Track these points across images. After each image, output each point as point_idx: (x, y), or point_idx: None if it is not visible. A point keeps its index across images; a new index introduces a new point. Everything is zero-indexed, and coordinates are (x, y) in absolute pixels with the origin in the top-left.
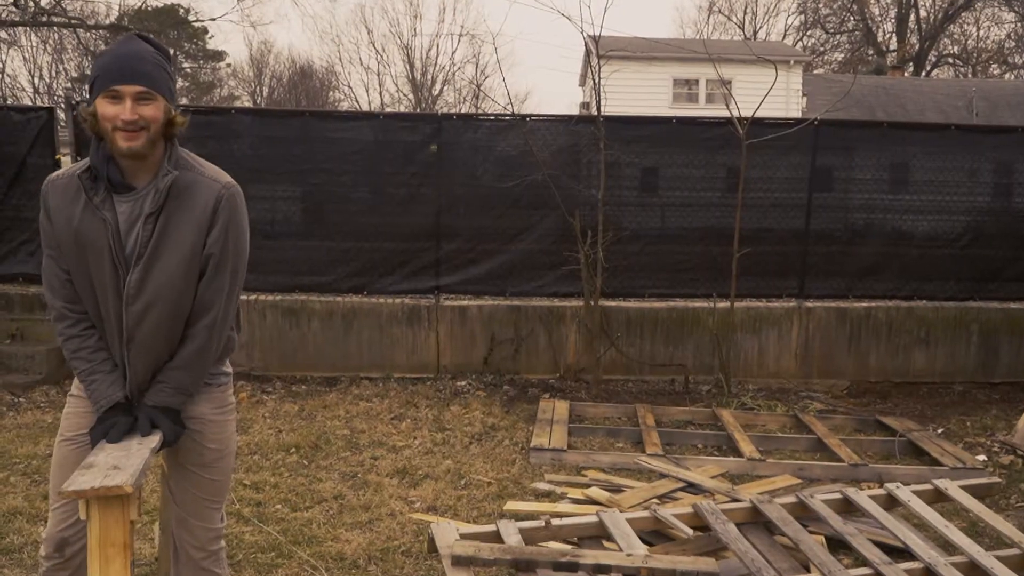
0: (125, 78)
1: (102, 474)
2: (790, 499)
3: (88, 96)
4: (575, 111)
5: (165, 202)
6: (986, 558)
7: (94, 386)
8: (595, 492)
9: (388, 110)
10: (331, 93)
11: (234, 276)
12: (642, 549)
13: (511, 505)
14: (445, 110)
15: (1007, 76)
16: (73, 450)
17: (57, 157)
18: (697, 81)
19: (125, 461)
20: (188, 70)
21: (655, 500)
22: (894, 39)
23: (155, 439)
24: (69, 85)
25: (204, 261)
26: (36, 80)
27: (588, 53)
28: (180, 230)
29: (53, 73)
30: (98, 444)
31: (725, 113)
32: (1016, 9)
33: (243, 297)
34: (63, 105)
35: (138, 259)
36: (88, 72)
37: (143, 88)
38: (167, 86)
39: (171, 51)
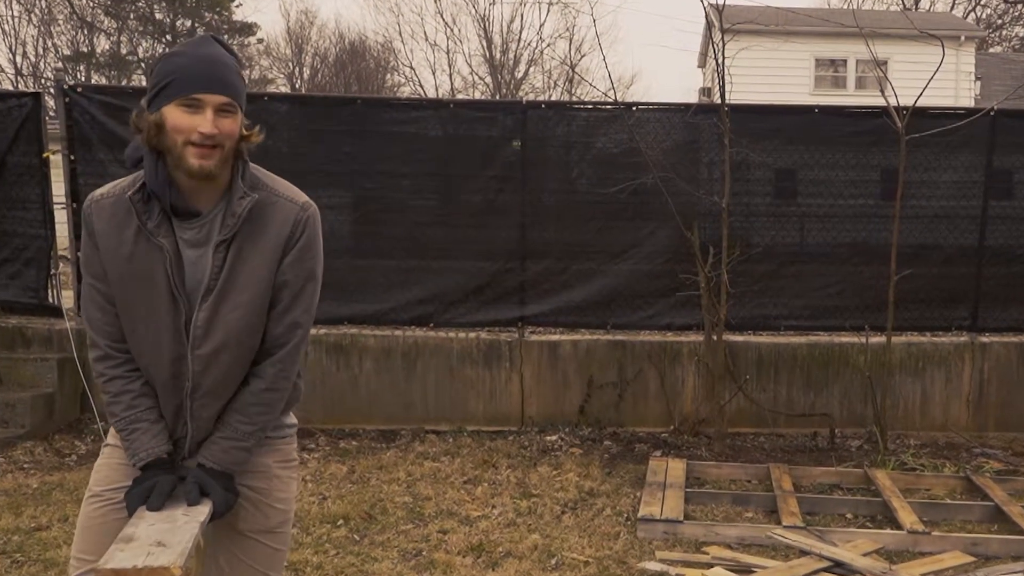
0: (211, 86)
1: (144, 551)
2: None
3: (149, 101)
4: (693, 98)
5: (239, 229)
6: None
7: (135, 436)
8: (719, 573)
9: (460, 97)
10: (389, 76)
11: (307, 311)
12: None
13: None
14: (531, 97)
15: None
16: (103, 509)
17: (45, 155)
18: (844, 62)
19: (171, 536)
20: None
21: None
22: None
23: (204, 510)
24: (60, 65)
25: (277, 291)
26: (19, 59)
27: (709, 27)
28: (256, 259)
29: (40, 50)
30: (137, 511)
31: (879, 101)
32: None
33: None
34: (52, 90)
35: (207, 294)
36: (85, 49)
37: (228, 99)
38: (244, 97)
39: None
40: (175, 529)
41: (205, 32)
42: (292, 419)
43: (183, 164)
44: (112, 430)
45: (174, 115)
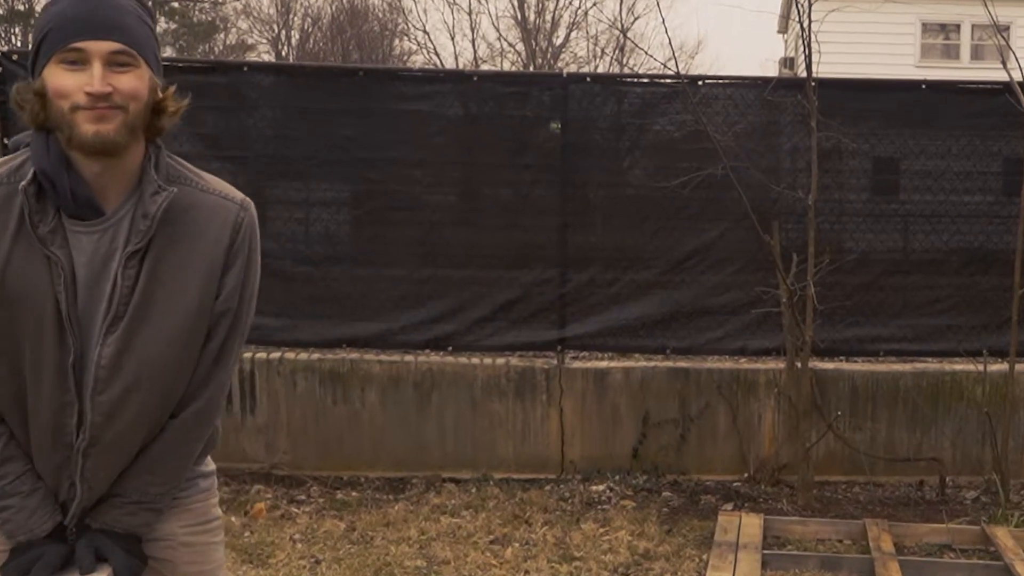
0: (95, 30)
1: None
2: None
3: (31, 66)
4: (772, 71)
5: (155, 234)
6: None
7: (8, 514)
8: None
9: (485, 68)
10: (397, 42)
11: (243, 338)
12: None
13: None
14: (573, 69)
15: None
16: None
17: None
18: (957, 27)
19: None
20: (176, 5)
21: None
22: None
23: None
24: None
25: (214, 319)
26: None
27: None
28: (182, 276)
29: None
30: None
31: (1000, 75)
32: None
33: (261, 355)
34: None
35: (114, 322)
36: (23, 6)
37: (120, 45)
38: (152, 51)
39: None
40: None
41: None
42: (209, 465)
43: (75, 135)
44: None
45: (55, 76)
